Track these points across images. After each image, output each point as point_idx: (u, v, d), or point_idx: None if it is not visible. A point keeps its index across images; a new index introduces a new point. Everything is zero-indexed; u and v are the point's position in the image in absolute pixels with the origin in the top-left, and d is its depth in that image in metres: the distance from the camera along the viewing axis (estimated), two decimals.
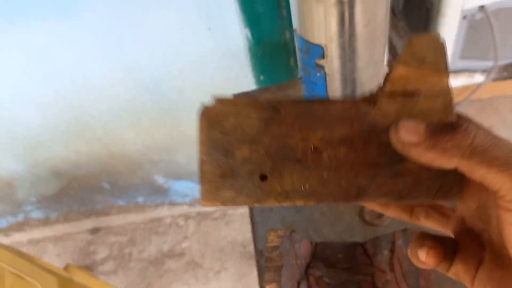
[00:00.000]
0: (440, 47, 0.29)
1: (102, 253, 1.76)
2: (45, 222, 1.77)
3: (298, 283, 0.58)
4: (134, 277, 1.67)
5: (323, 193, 0.29)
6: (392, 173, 0.29)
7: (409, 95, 0.29)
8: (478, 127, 0.27)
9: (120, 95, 1.21)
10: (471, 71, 1.75)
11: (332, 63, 0.48)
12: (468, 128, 0.27)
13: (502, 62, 1.72)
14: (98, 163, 1.46)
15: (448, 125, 0.27)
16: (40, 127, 1.28)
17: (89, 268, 1.73)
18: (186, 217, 1.79)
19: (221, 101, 0.31)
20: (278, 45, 1.07)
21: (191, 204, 1.75)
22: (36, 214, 1.72)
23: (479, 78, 1.76)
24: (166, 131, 1.36)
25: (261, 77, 1.16)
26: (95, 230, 1.81)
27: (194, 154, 1.46)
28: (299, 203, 0.30)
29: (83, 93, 1.19)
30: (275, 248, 0.57)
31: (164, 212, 1.78)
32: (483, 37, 1.51)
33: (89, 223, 1.79)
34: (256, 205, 0.30)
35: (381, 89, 0.29)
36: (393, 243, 0.57)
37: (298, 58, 0.54)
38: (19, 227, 1.77)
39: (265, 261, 0.57)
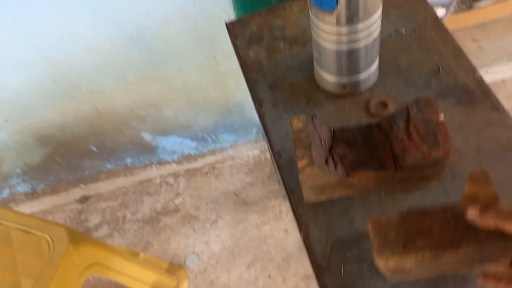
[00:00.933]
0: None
1: (94, 219, 1.76)
2: (32, 196, 1.75)
3: (326, 160, 0.62)
4: (131, 237, 1.69)
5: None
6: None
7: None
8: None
9: (105, 47, 1.20)
10: (433, 4, 1.83)
11: None
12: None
13: None
14: (85, 124, 1.45)
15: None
16: (24, 89, 1.26)
17: None
18: (176, 175, 1.81)
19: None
20: None
21: (179, 161, 1.77)
22: (22, 188, 1.70)
23: (440, 12, 1.85)
24: (152, 85, 1.37)
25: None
26: (84, 199, 1.80)
27: (181, 107, 1.49)
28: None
29: (67, 48, 1.18)
30: (301, 130, 0.62)
31: (153, 172, 1.79)
32: None
33: (78, 192, 1.78)
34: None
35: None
36: (408, 113, 0.62)
37: None
38: (4, 203, 1.74)
39: (294, 142, 0.61)
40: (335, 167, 0.63)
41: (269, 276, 1.53)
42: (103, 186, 1.79)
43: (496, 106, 0.73)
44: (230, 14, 1.18)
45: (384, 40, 0.83)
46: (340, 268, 0.63)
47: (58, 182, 1.70)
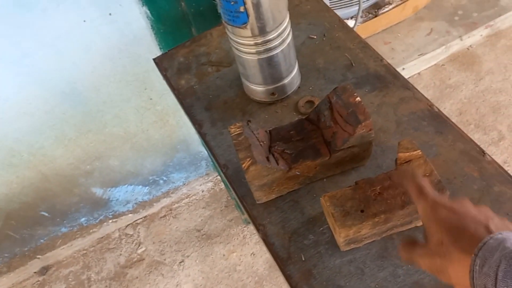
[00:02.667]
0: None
1: None
2: None
3: (267, 158, 0.68)
4: None
5: None
6: None
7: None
8: None
9: (39, 108, 1.21)
10: (342, 19, 1.99)
11: None
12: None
13: (365, 5, 1.99)
14: (32, 190, 1.42)
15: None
16: None
17: None
18: (134, 225, 1.79)
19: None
20: (177, 16, 1.16)
21: (134, 210, 1.76)
22: None
23: (351, 23, 2.01)
24: (92, 137, 1.38)
25: None
26: (44, 270, 1.73)
27: (126, 154, 1.50)
28: None
29: (1, 115, 1.18)
30: (239, 134, 0.67)
31: (110, 227, 1.76)
32: None
33: (36, 264, 1.71)
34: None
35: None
36: (330, 102, 0.69)
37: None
38: None
39: (235, 146, 0.66)
40: (277, 163, 0.68)
41: None
42: (62, 252, 1.73)
43: (405, 84, 0.82)
44: (156, 53, 1.23)
45: (300, 47, 0.92)
46: (301, 255, 0.67)
47: (14, 258, 1.63)
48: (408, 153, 0.63)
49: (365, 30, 2.00)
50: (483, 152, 0.71)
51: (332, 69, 0.87)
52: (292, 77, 0.82)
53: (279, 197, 0.73)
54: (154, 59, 0.98)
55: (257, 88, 0.82)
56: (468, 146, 0.73)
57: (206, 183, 1.82)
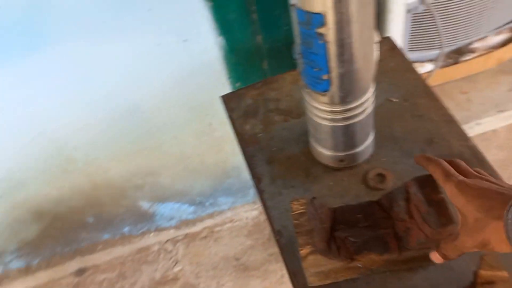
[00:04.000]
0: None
1: None
2: (26, 271, 1.70)
3: (328, 245, 0.61)
4: None
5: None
6: None
7: None
8: None
9: (101, 122, 1.21)
10: (420, 61, 1.89)
11: (332, 29, 0.54)
12: None
13: (447, 49, 1.87)
14: (81, 197, 1.43)
15: None
16: (18, 165, 1.26)
17: None
18: (174, 241, 1.77)
19: None
20: (251, 50, 1.12)
21: (177, 227, 1.74)
22: (16, 264, 1.65)
23: (428, 67, 1.90)
24: (148, 154, 1.37)
25: (237, 84, 1.21)
26: (80, 272, 1.75)
27: (178, 174, 1.48)
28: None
29: (62, 125, 1.19)
30: (302, 214, 0.61)
31: (151, 240, 1.75)
32: (427, 28, 1.65)
33: (74, 265, 1.73)
34: None
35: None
36: (407, 192, 0.62)
37: (296, 33, 0.59)
38: None
39: (295, 228, 0.60)
40: (338, 252, 0.61)
41: None
42: (100, 257, 1.74)
43: (492, 173, 0.73)
44: (224, 84, 1.21)
45: (377, 109, 0.84)
46: None
47: (54, 256, 1.66)
48: (491, 272, 0.54)
49: (442, 75, 1.88)
50: None
51: (410, 141, 0.79)
52: (366, 146, 0.76)
53: (333, 283, 0.66)
54: (222, 97, 0.95)
55: (325, 152, 0.76)
56: None
57: (252, 210, 1.77)
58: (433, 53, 1.80)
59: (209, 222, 1.78)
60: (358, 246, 0.62)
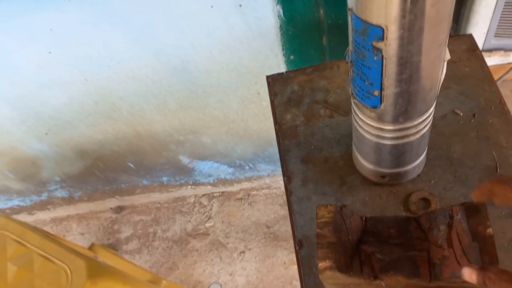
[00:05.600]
0: None
1: (126, 232, 1.77)
2: (69, 200, 1.78)
3: (351, 259, 0.55)
4: (159, 256, 1.68)
5: None
6: None
7: None
8: None
9: (147, 76, 1.18)
10: (506, 49, 1.68)
11: (392, 45, 0.45)
12: None
13: None
14: (124, 143, 1.44)
15: None
16: (66, 107, 1.27)
17: (114, 247, 1.74)
18: (210, 197, 1.78)
19: None
20: (311, 23, 1.02)
21: (214, 184, 1.74)
22: (60, 193, 1.73)
23: None
24: (192, 113, 1.34)
25: (292, 57, 1.12)
26: (119, 209, 1.81)
27: (220, 136, 1.45)
28: None
29: (110, 74, 1.17)
30: (327, 223, 0.55)
31: (188, 191, 1.77)
32: None
33: (113, 202, 1.80)
34: None
35: None
36: (451, 217, 0.54)
37: (350, 39, 0.50)
38: (42, 205, 1.79)
39: (316, 238, 0.54)
40: (361, 267, 0.55)
41: None
42: (138, 199, 1.79)
43: None
44: (278, 55, 1.12)
45: (438, 121, 0.74)
46: None
47: (95, 191, 1.72)
48: None
49: None
50: None
51: (469, 166, 0.69)
52: (414, 167, 0.67)
53: None
54: (267, 77, 0.87)
55: (367, 166, 0.68)
56: None
57: None
58: None
59: (246, 185, 1.76)
60: (385, 265, 0.56)
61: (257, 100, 1.29)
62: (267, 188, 1.75)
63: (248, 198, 1.74)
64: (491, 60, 1.65)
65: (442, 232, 0.55)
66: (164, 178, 1.68)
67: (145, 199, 1.79)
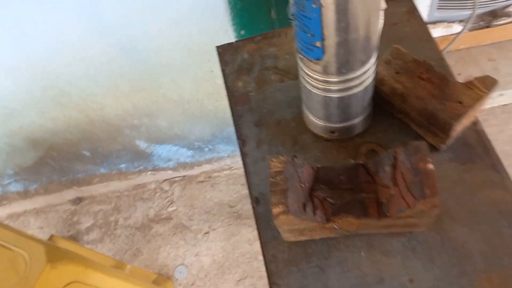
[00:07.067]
0: None
1: (86, 222, 1.73)
2: (25, 195, 1.73)
3: (304, 205, 0.58)
4: (122, 244, 1.66)
5: None
6: None
7: None
8: None
9: (96, 57, 1.16)
10: (448, 21, 1.75)
11: None
12: None
13: (479, 11, 1.72)
14: (77, 130, 1.41)
15: None
16: (13, 94, 1.23)
17: (74, 238, 1.71)
18: (171, 182, 1.77)
19: None
20: None
21: (175, 168, 1.73)
22: (15, 187, 1.68)
23: (456, 28, 1.77)
24: (145, 95, 1.33)
25: (242, 32, 1.13)
26: (77, 200, 1.78)
27: (175, 118, 1.44)
28: None
29: (57, 57, 1.14)
30: (279, 172, 0.57)
31: (148, 178, 1.76)
32: None
33: (71, 193, 1.76)
34: None
35: None
36: (395, 158, 0.57)
37: None
38: None
39: (270, 186, 0.57)
40: (314, 212, 0.58)
41: None
42: (97, 189, 1.76)
43: (496, 165, 0.67)
44: (228, 30, 1.13)
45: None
46: None
47: (51, 183, 1.68)
48: None
49: (471, 39, 1.75)
50: None
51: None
52: (362, 120, 0.70)
53: (303, 258, 0.63)
54: (217, 47, 0.88)
55: (316, 122, 0.70)
56: None
57: None
58: (465, 13, 1.66)
59: (207, 167, 1.76)
60: (337, 208, 0.59)
61: (211, 78, 1.30)
62: (229, 169, 1.76)
63: (209, 180, 1.75)
64: (435, 32, 1.72)
65: (388, 173, 0.58)
66: (122, 165, 1.66)
67: (104, 188, 1.76)
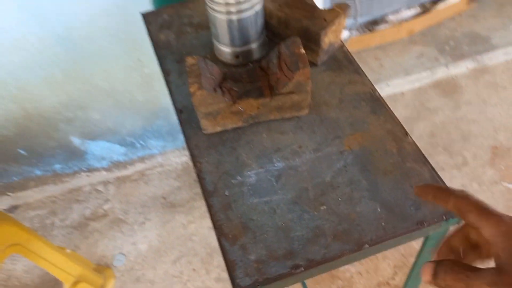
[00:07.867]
0: None
1: None
2: None
3: (214, 90, 0.76)
4: (59, 242, 1.70)
5: None
6: None
7: None
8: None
9: (33, 46, 1.29)
10: None
11: None
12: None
13: (361, 19, 2.08)
14: (13, 125, 1.50)
15: None
16: None
17: None
18: (105, 183, 1.87)
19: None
20: None
21: (108, 169, 1.84)
22: None
23: (345, 34, 2.11)
24: (79, 85, 1.46)
25: None
26: (12, 208, 1.80)
27: (108, 110, 1.59)
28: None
29: None
30: (194, 65, 0.76)
31: (82, 180, 1.84)
32: None
33: (6, 202, 1.78)
34: None
35: None
36: (279, 51, 0.79)
37: None
38: None
39: (187, 73, 0.75)
40: (223, 95, 0.77)
41: (194, 270, 1.60)
42: (32, 195, 1.80)
43: (357, 70, 0.91)
44: None
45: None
46: (225, 191, 0.75)
47: None
48: None
49: (359, 43, 2.09)
50: (406, 134, 0.79)
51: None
52: (257, 46, 0.91)
53: (219, 143, 0.81)
54: (142, 13, 1.07)
55: (224, 49, 0.91)
56: (395, 127, 0.81)
57: (182, 156, 1.90)
58: (349, 22, 2.01)
59: (140, 166, 1.89)
60: (240, 94, 0.78)
61: (139, 68, 1.47)
62: (160, 167, 1.89)
63: (143, 178, 1.87)
64: None
65: (275, 63, 0.79)
66: (57, 166, 1.74)
67: (40, 193, 1.81)
